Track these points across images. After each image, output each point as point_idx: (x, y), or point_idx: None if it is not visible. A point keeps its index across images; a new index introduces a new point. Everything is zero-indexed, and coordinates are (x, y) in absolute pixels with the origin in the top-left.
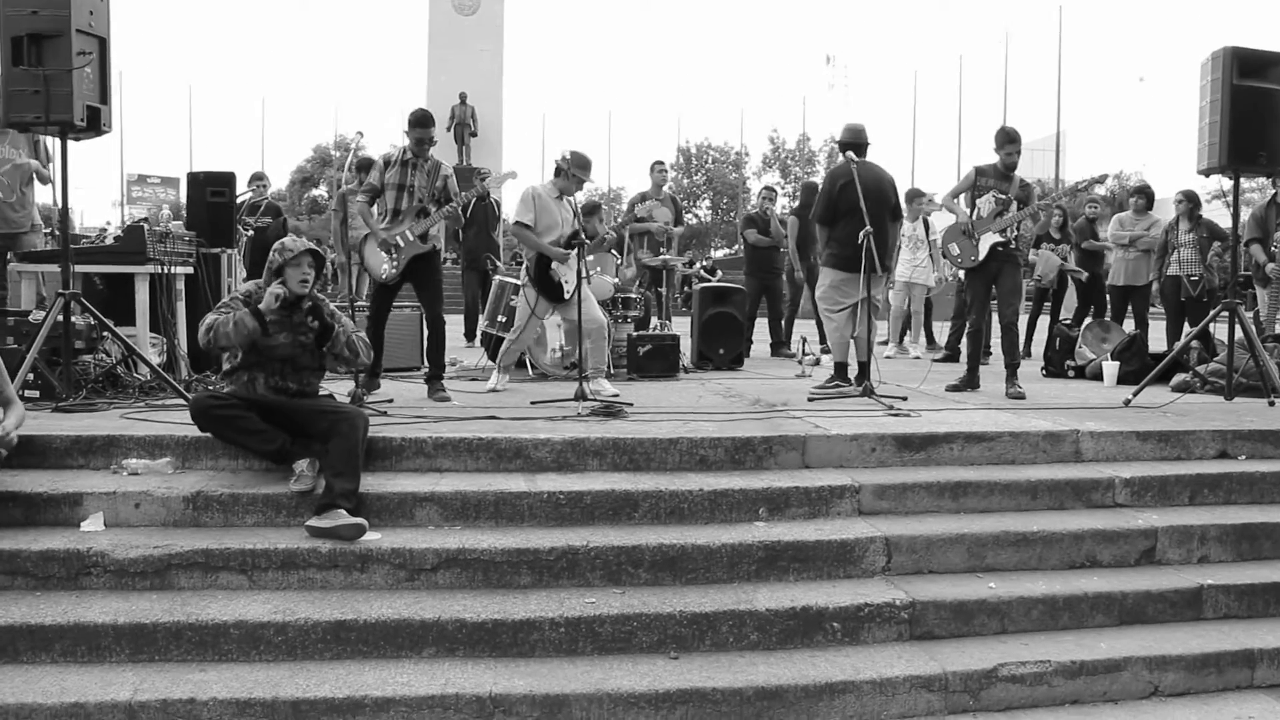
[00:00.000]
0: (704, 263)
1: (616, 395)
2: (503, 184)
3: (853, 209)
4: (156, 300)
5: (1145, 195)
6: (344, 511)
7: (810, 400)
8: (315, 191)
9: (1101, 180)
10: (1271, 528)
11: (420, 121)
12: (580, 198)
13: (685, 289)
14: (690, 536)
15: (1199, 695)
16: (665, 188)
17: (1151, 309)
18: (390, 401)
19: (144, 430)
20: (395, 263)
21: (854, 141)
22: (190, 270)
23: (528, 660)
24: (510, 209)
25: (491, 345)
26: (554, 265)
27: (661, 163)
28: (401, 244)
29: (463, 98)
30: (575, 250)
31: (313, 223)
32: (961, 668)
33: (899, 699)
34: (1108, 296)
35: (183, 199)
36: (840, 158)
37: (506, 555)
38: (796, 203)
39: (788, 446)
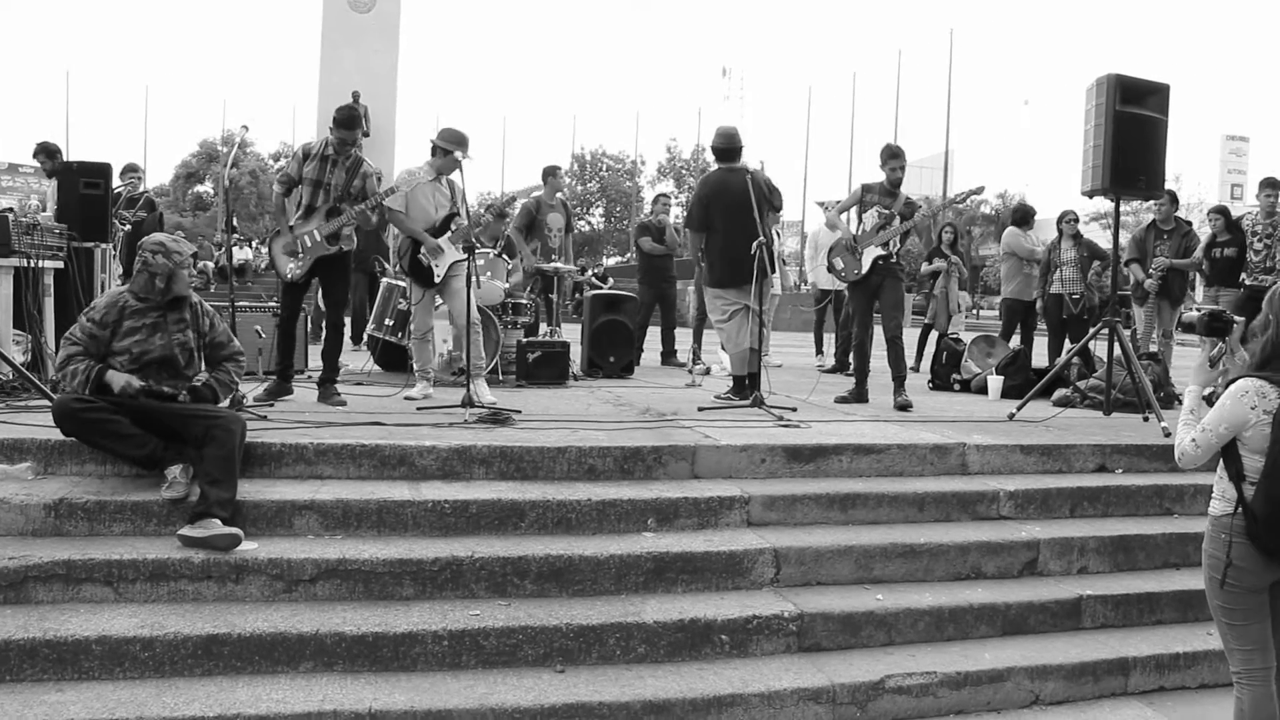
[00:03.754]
0: (595, 270)
1: (494, 402)
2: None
3: (723, 222)
4: (22, 295)
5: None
6: (218, 520)
7: (701, 410)
8: (200, 188)
9: (978, 191)
10: (1146, 539)
11: (342, 123)
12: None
13: (575, 296)
14: (578, 547)
15: (1077, 703)
16: (559, 194)
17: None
18: (272, 405)
19: (2, 433)
20: (301, 262)
21: (726, 146)
22: (60, 265)
23: (409, 674)
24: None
25: (378, 349)
26: (423, 249)
27: (557, 168)
28: (309, 243)
29: (355, 97)
30: (448, 233)
31: (196, 220)
32: (849, 680)
33: (787, 711)
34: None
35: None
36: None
37: (389, 566)
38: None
39: (677, 456)
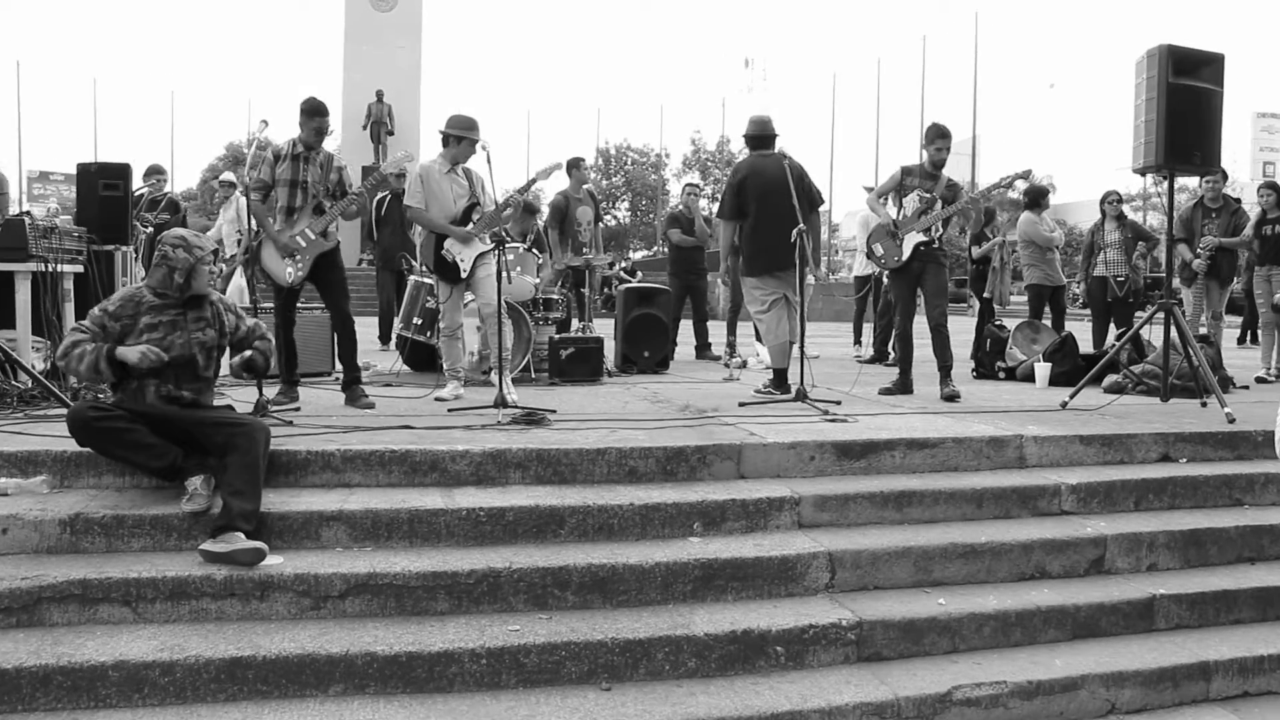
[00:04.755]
0: (624, 264)
1: (515, 400)
2: (400, 166)
3: (756, 209)
4: (40, 300)
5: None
6: (242, 534)
7: (741, 405)
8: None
9: (1025, 175)
10: (1217, 533)
11: (316, 110)
12: (483, 183)
13: (605, 290)
14: (621, 555)
15: (1156, 711)
16: (585, 186)
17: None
18: (297, 410)
19: (17, 445)
20: (300, 265)
21: (759, 134)
22: (80, 269)
23: (446, 696)
24: None
25: (407, 348)
26: (446, 244)
27: (581, 159)
28: (303, 244)
29: (379, 95)
30: (471, 224)
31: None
32: (914, 692)
33: None
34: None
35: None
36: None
37: (422, 579)
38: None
39: (722, 456)
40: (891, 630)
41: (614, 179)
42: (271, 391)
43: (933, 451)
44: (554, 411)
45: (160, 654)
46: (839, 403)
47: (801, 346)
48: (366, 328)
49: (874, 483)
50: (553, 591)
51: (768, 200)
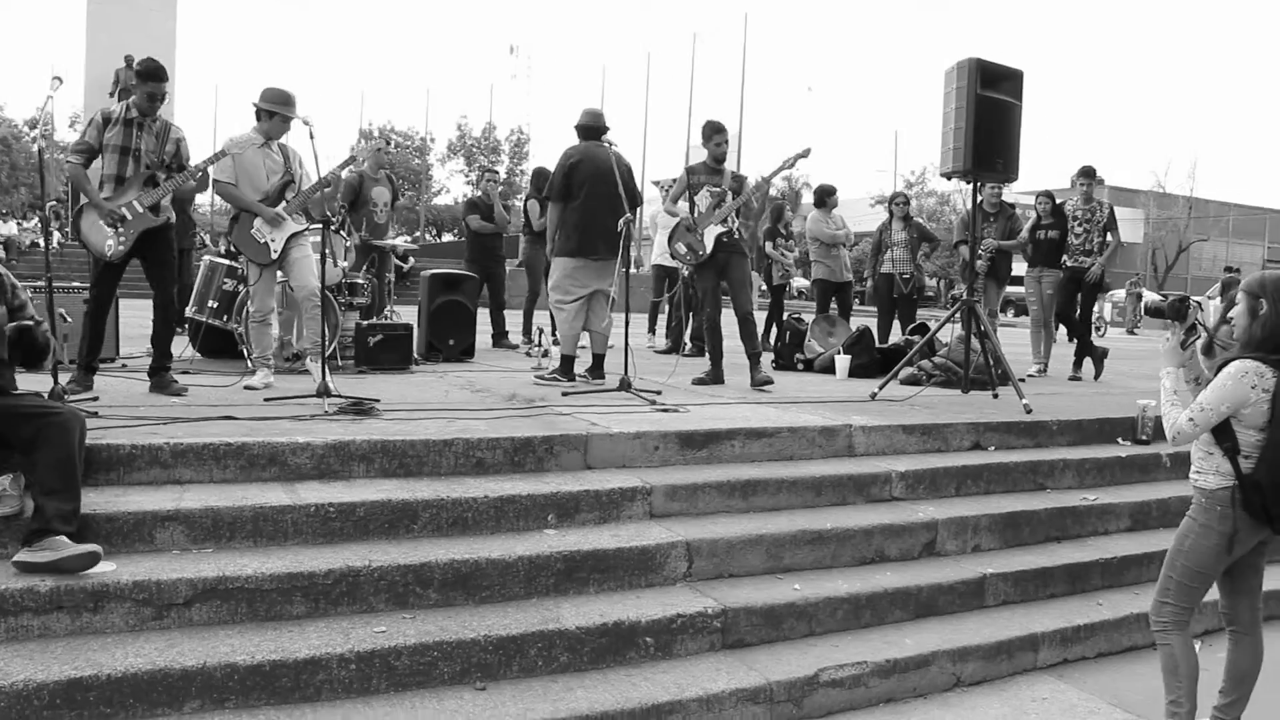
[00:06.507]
0: (397, 249)
1: (336, 389)
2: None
3: (586, 192)
4: None
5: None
6: (65, 538)
7: (565, 395)
8: None
9: (806, 154)
10: (1030, 515)
11: (153, 74)
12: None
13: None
14: (481, 549)
15: (994, 681)
16: (383, 169)
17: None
18: (95, 399)
19: None
20: (123, 238)
21: (593, 125)
22: None
23: (314, 705)
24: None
25: (200, 334)
26: (256, 224)
27: (388, 139)
28: (129, 216)
29: (129, 61)
30: (284, 203)
31: None
32: (783, 676)
33: (726, 714)
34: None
35: None
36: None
37: (276, 581)
38: (529, 188)
39: (569, 446)
40: (754, 617)
41: None
42: (64, 378)
43: (770, 440)
44: (379, 400)
45: None
46: (659, 392)
47: (626, 337)
48: (138, 312)
49: (719, 472)
50: (415, 590)
51: (598, 186)
